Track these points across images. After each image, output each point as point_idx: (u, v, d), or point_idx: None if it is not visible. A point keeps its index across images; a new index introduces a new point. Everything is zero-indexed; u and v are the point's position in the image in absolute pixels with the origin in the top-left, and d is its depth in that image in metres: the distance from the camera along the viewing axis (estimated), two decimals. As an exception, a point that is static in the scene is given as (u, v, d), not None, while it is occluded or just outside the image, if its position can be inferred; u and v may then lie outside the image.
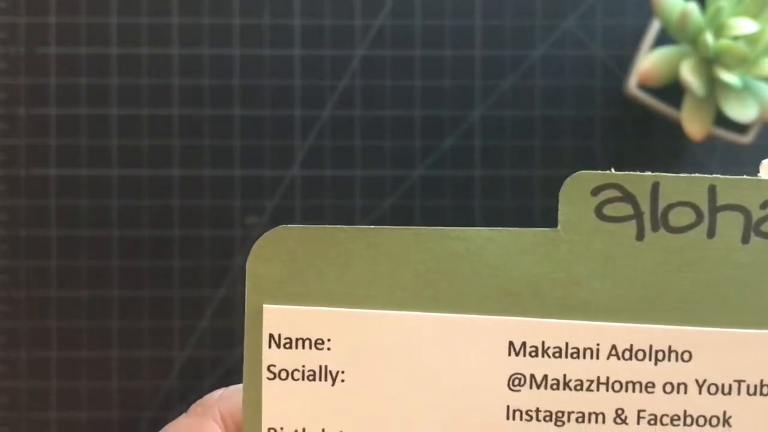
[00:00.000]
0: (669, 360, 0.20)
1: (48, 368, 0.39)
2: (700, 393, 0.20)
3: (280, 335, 0.20)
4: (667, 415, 0.20)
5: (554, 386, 0.20)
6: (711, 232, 0.20)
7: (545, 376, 0.20)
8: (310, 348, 0.20)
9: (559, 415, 0.20)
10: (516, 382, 0.20)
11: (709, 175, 0.20)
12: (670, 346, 0.20)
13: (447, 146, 0.40)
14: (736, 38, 0.33)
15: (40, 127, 0.40)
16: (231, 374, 0.39)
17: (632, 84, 0.37)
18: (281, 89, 0.40)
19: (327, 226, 0.20)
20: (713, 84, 0.34)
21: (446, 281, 0.20)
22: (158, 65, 0.40)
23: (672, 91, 0.36)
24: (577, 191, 0.20)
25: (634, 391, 0.20)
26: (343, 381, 0.20)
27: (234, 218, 0.40)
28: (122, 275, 0.39)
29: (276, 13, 0.40)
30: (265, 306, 0.20)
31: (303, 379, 0.20)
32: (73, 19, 0.40)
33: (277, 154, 0.40)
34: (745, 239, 0.20)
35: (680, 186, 0.20)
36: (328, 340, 0.20)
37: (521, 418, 0.20)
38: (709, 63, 0.34)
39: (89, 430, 0.39)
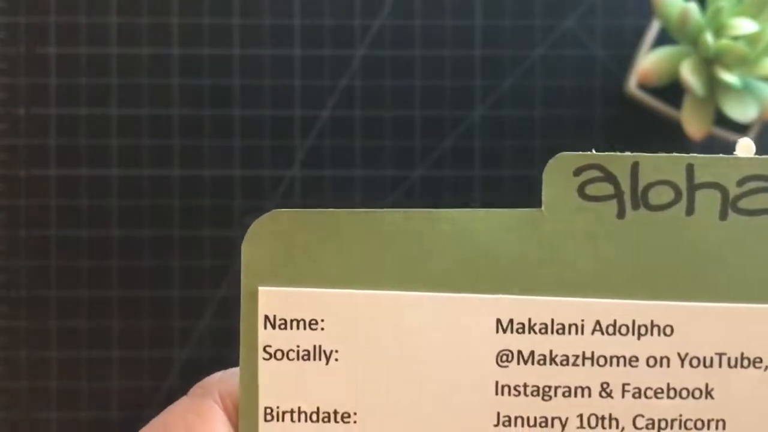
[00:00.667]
0: (651, 334, 0.20)
1: (48, 368, 0.39)
2: (682, 366, 0.20)
3: (275, 316, 0.21)
4: (651, 388, 0.20)
5: (541, 362, 0.21)
6: (690, 210, 0.20)
7: (532, 352, 0.21)
8: (305, 328, 0.21)
9: (546, 389, 0.21)
10: (504, 358, 0.21)
11: (687, 154, 0.20)
12: (652, 321, 0.20)
13: (447, 146, 0.40)
14: (736, 38, 0.33)
15: (40, 127, 0.40)
16: (231, 374, 0.39)
17: (632, 84, 0.37)
18: (281, 89, 0.40)
19: (320, 209, 0.21)
20: (713, 84, 0.34)
21: (436, 261, 0.21)
22: (158, 65, 0.40)
23: (672, 91, 0.36)
24: (560, 172, 0.21)
25: (618, 365, 0.20)
26: (336, 360, 0.21)
27: (234, 218, 0.40)
28: (122, 275, 0.40)
29: (276, 13, 0.40)
30: (260, 288, 0.21)
31: (298, 359, 0.21)
32: (73, 19, 0.40)
33: (277, 154, 0.40)
34: (723, 216, 0.20)
35: (659, 165, 0.20)
36: (322, 320, 0.21)
37: (510, 393, 0.21)
38: (709, 63, 0.34)
39: (89, 430, 0.39)
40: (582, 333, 0.20)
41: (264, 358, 0.21)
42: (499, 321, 0.21)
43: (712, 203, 0.20)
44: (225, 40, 0.40)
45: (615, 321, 0.20)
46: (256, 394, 0.21)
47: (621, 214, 0.20)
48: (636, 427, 0.20)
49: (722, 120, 0.35)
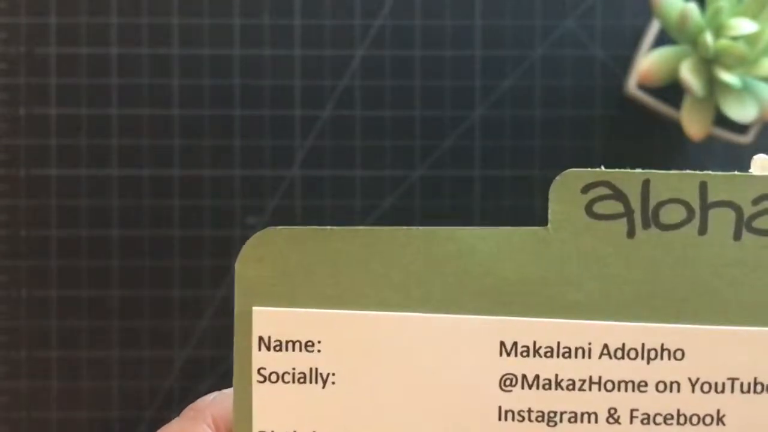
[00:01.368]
0: (662, 358, 0.20)
1: (48, 368, 0.39)
2: (693, 391, 0.20)
3: (269, 338, 0.20)
4: (660, 414, 0.20)
5: (546, 386, 0.20)
6: (702, 229, 0.20)
7: (537, 376, 0.20)
8: (300, 350, 0.20)
9: (552, 415, 0.20)
10: (507, 382, 0.20)
11: (700, 172, 0.20)
12: (662, 345, 0.20)
13: (447, 146, 0.40)
14: (735, 38, 0.33)
15: (40, 127, 0.40)
16: (230, 374, 0.39)
17: (632, 84, 0.37)
18: (281, 89, 0.40)
19: (316, 227, 0.20)
20: (713, 84, 0.34)
21: (437, 281, 0.20)
22: (158, 65, 0.40)
23: (672, 91, 0.36)
24: (567, 189, 0.20)
25: (626, 390, 0.20)
26: (333, 383, 0.20)
27: (234, 218, 0.40)
28: (122, 275, 0.39)
29: (276, 13, 0.40)
30: (254, 308, 0.20)
31: (293, 381, 0.20)
32: (73, 19, 0.40)
33: (277, 154, 0.40)
34: (737, 236, 0.20)
35: (671, 183, 0.20)
36: (318, 342, 0.20)
37: (513, 419, 0.20)
38: (708, 63, 0.34)
39: (89, 430, 0.39)
40: (589, 357, 0.20)
41: (258, 381, 0.20)
42: (502, 344, 0.20)
43: (725, 223, 0.19)
44: (225, 40, 0.40)
45: (623, 344, 0.20)
46: (250, 418, 0.20)
47: (631, 233, 0.20)
48: None
49: (722, 120, 0.35)
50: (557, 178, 0.20)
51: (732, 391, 0.20)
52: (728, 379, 0.20)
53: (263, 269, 0.20)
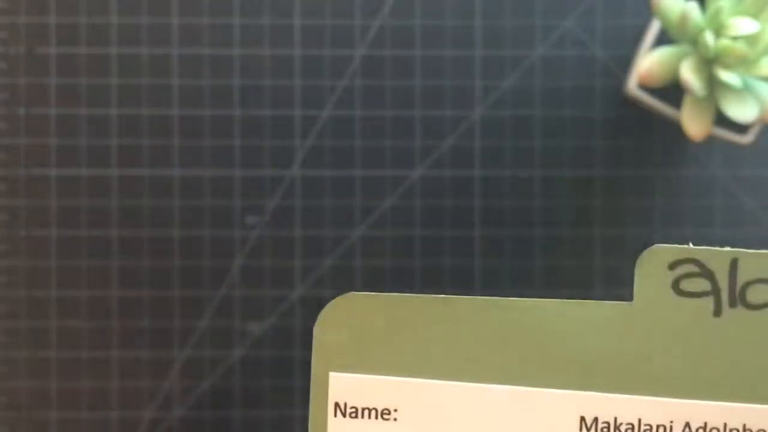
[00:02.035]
0: None
1: (48, 368, 0.39)
2: None
3: (346, 404, 0.20)
4: None
5: None
6: None
7: None
8: (377, 418, 0.20)
9: None
10: None
11: None
12: (744, 425, 0.19)
13: (447, 146, 0.39)
14: (736, 38, 0.33)
15: (40, 127, 0.39)
16: (231, 374, 0.39)
17: (632, 84, 0.37)
18: (281, 89, 0.40)
19: (396, 294, 0.20)
20: (713, 84, 0.34)
21: (517, 353, 0.19)
22: (158, 65, 0.40)
23: (672, 91, 0.36)
24: (654, 265, 0.19)
25: None
26: None
27: (234, 218, 0.39)
28: (122, 275, 0.39)
29: (276, 13, 0.40)
30: (331, 374, 0.20)
31: None
32: (73, 19, 0.40)
33: (277, 154, 0.40)
34: None
35: (760, 263, 0.19)
36: (395, 410, 0.20)
37: None
38: (709, 63, 0.34)
39: (89, 430, 0.39)
40: None
41: None
42: (582, 419, 0.19)
43: None
44: (225, 40, 0.40)
45: (705, 424, 0.19)
46: None
47: (717, 311, 0.19)
48: None
49: (722, 120, 0.35)
50: (644, 252, 0.20)
51: None
52: None
53: (342, 334, 0.20)
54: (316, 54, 0.39)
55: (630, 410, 0.19)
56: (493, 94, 0.39)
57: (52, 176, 0.39)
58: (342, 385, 0.20)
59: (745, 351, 0.19)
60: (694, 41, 0.34)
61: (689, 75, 0.34)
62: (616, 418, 0.19)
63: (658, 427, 0.19)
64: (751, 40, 0.33)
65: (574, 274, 0.39)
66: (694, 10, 0.33)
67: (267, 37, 0.39)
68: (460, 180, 0.39)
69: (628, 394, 0.19)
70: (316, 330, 0.20)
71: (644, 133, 0.39)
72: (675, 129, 0.36)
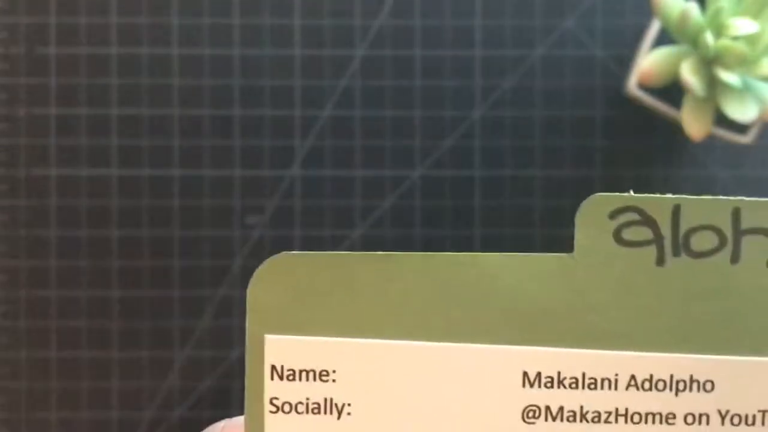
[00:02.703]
0: (690, 390, 0.19)
1: (48, 368, 0.39)
2: (722, 424, 0.19)
3: (282, 366, 0.19)
4: None
5: (570, 418, 0.19)
6: (735, 257, 0.19)
7: (561, 408, 0.19)
8: (315, 380, 0.19)
9: None
10: (530, 414, 0.19)
11: (733, 198, 0.19)
12: (691, 376, 0.19)
13: (447, 146, 0.39)
14: (736, 38, 0.33)
15: (40, 127, 0.39)
16: (231, 374, 0.39)
17: (632, 84, 0.37)
18: (281, 89, 0.40)
19: (331, 252, 0.19)
20: (713, 84, 0.34)
21: (457, 309, 0.19)
22: (158, 65, 0.40)
23: (672, 91, 0.36)
24: (594, 214, 0.19)
25: (654, 422, 0.19)
26: (349, 414, 0.19)
27: (234, 218, 0.39)
28: (122, 275, 0.39)
29: (276, 13, 0.40)
30: (266, 336, 0.19)
31: (307, 412, 0.19)
32: (73, 19, 0.40)
33: (277, 154, 0.39)
34: None
35: (703, 209, 0.19)
36: (334, 371, 0.19)
37: None
38: (709, 63, 0.34)
39: (89, 430, 0.39)
40: (615, 388, 0.19)
41: (271, 411, 0.19)
42: (525, 374, 0.19)
43: (759, 250, 0.19)
44: (225, 40, 0.40)
45: (651, 376, 0.19)
46: None
47: (660, 261, 0.19)
48: None
49: (722, 120, 0.35)
50: (584, 203, 0.19)
51: (763, 423, 0.19)
52: (759, 411, 0.19)
53: (276, 295, 0.19)
54: (316, 54, 0.39)
55: (574, 364, 0.19)
56: (493, 94, 0.39)
57: (52, 176, 0.39)
58: (278, 348, 0.19)
59: (690, 300, 0.19)
60: (694, 41, 0.34)
61: (689, 75, 0.33)
62: (559, 373, 0.19)
63: (602, 380, 0.19)
64: (751, 40, 0.33)
65: (574, 274, 0.39)
66: (694, 10, 0.33)
67: (267, 37, 0.39)
68: (460, 180, 0.39)
69: (571, 347, 0.19)
70: (250, 292, 0.19)
71: (644, 133, 0.39)
72: (675, 129, 0.36)
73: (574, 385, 0.19)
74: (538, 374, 0.19)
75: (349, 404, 0.19)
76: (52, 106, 0.39)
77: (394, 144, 0.39)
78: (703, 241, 0.19)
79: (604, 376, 0.19)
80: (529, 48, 0.39)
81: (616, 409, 0.19)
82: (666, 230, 0.19)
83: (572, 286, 0.19)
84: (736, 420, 0.19)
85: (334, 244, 0.39)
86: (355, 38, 0.39)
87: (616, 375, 0.19)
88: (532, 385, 0.19)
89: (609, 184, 0.39)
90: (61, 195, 0.39)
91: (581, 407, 0.19)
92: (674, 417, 0.19)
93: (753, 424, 0.19)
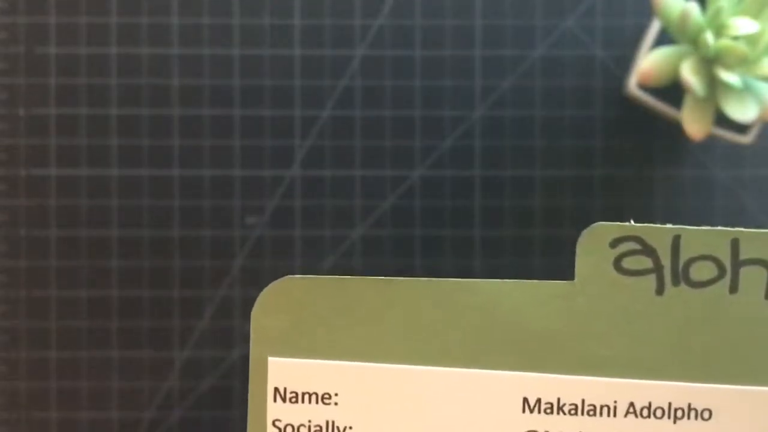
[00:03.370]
0: (689, 418, 0.19)
1: (48, 368, 0.39)
2: None
3: (285, 389, 0.19)
4: None
5: None
6: (734, 287, 0.19)
7: None
8: (317, 402, 0.19)
9: None
10: None
11: (732, 229, 0.19)
12: (689, 404, 0.19)
13: (447, 146, 0.39)
14: (736, 38, 0.33)
15: (40, 127, 0.39)
16: (231, 374, 0.39)
17: (632, 84, 0.37)
18: (281, 89, 0.39)
19: (335, 276, 0.19)
20: (713, 84, 0.34)
21: (459, 335, 0.19)
22: (158, 65, 0.40)
23: (672, 91, 0.36)
24: (595, 243, 0.19)
25: None
26: None
27: (234, 218, 0.39)
28: (122, 275, 0.39)
29: (276, 13, 0.40)
30: (270, 359, 0.19)
31: None
32: (73, 19, 0.39)
33: (277, 154, 0.39)
34: None
35: (702, 239, 0.19)
36: (336, 394, 0.19)
37: None
38: (709, 63, 0.34)
39: (89, 430, 0.39)
40: (614, 415, 0.19)
41: None
42: (525, 400, 0.19)
43: (757, 281, 0.19)
44: (225, 40, 0.40)
45: (650, 403, 0.19)
46: None
47: (660, 289, 0.19)
48: None
49: (722, 120, 0.35)
50: (585, 231, 0.19)
51: None
52: None
53: (280, 319, 0.19)
54: (316, 54, 0.39)
55: (573, 390, 0.19)
56: (493, 94, 0.39)
57: (52, 176, 0.39)
58: (281, 370, 0.20)
59: (689, 329, 0.19)
60: (694, 41, 0.34)
61: (689, 75, 0.33)
62: (559, 399, 0.19)
63: (601, 407, 0.19)
64: (751, 40, 0.33)
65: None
66: (694, 10, 0.33)
67: (267, 37, 0.39)
68: (460, 180, 0.39)
69: (571, 374, 0.19)
70: (254, 314, 0.19)
71: (644, 133, 0.39)
72: (675, 129, 0.36)
73: (573, 412, 0.19)
74: (538, 400, 0.19)
75: (350, 427, 0.19)
76: (52, 106, 0.39)
77: (394, 144, 0.39)
78: (702, 271, 0.19)
79: (604, 402, 0.19)
80: (529, 48, 0.39)
81: None
82: (666, 260, 0.19)
83: (572, 313, 0.19)
84: None
85: (334, 244, 0.39)
86: (355, 38, 0.39)
87: (615, 402, 0.19)
88: (532, 411, 0.19)
89: (609, 184, 0.39)
90: (61, 195, 0.39)
91: None
92: None
93: None
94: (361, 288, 0.19)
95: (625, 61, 0.39)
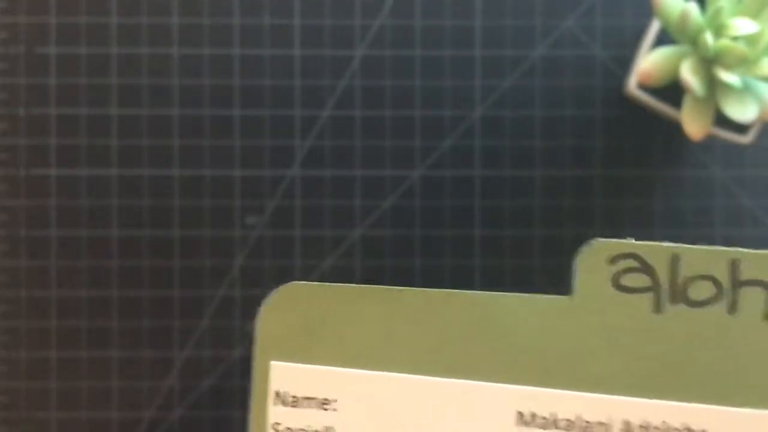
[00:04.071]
0: None
1: (48, 368, 0.39)
2: None
3: (286, 393, 0.20)
4: None
5: None
6: (732, 308, 0.19)
7: None
8: (317, 408, 0.20)
9: None
10: None
11: (731, 249, 0.19)
12: (684, 424, 0.19)
13: (447, 146, 0.39)
14: (736, 38, 0.33)
15: (40, 127, 0.39)
16: (231, 374, 0.39)
17: (632, 84, 0.37)
18: (281, 89, 0.40)
19: (338, 284, 0.19)
20: (713, 84, 0.34)
21: (457, 346, 0.19)
22: (158, 65, 0.40)
23: (672, 91, 0.36)
24: (594, 260, 0.19)
25: None
26: None
27: (234, 218, 0.39)
28: (122, 275, 0.39)
29: (276, 13, 0.40)
30: (272, 363, 0.20)
31: None
32: (73, 19, 0.40)
33: (277, 154, 0.39)
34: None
35: (701, 259, 0.19)
36: (335, 400, 0.20)
37: None
38: (709, 63, 0.34)
39: (89, 430, 0.39)
40: None
41: None
42: (520, 414, 0.19)
43: (756, 302, 0.19)
44: (225, 40, 0.40)
45: (645, 421, 0.19)
46: None
47: (657, 308, 0.19)
48: None
49: (722, 120, 0.35)
50: (584, 247, 0.19)
51: None
52: None
53: (284, 324, 0.20)
54: (316, 54, 0.39)
55: (568, 406, 0.19)
56: (493, 94, 0.39)
57: (52, 176, 0.39)
58: (283, 375, 0.20)
59: (686, 349, 0.19)
60: (694, 41, 0.34)
61: (689, 75, 0.33)
62: (553, 414, 0.19)
63: (597, 423, 0.19)
64: (750, 40, 0.33)
65: (574, 274, 0.39)
66: (694, 10, 0.33)
67: (267, 37, 0.39)
68: (460, 180, 0.39)
69: (566, 389, 0.19)
70: (259, 319, 0.20)
71: (644, 133, 0.39)
72: (675, 129, 0.36)
73: (568, 427, 0.19)
74: (533, 414, 0.19)
75: None
76: (52, 106, 0.39)
77: (394, 144, 0.39)
78: (700, 290, 0.19)
79: (598, 419, 0.19)
80: (529, 48, 0.39)
81: None
82: (664, 278, 0.19)
83: (569, 328, 0.19)
84: None
85: (334, 244, 0.39)
86: (355, 38, 0.39)
87: (610, 419, 0.19)
88: (526, 425, 0.19)
89: (609, 184, 0.39)
90: (61, 195, 0.39)
91: None
92: None
93: None
94: (363, 296, 0.20)
95: (625, 61, 0.39)
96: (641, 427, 0.19)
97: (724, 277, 0.19)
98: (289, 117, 0.39)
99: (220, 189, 0.39)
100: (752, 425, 0.19)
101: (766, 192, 0.39)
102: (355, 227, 0.39)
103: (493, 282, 0.38)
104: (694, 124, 0.34)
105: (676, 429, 0.19)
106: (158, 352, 0.39)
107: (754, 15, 0.33)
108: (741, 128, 0.36)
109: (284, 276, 0.39)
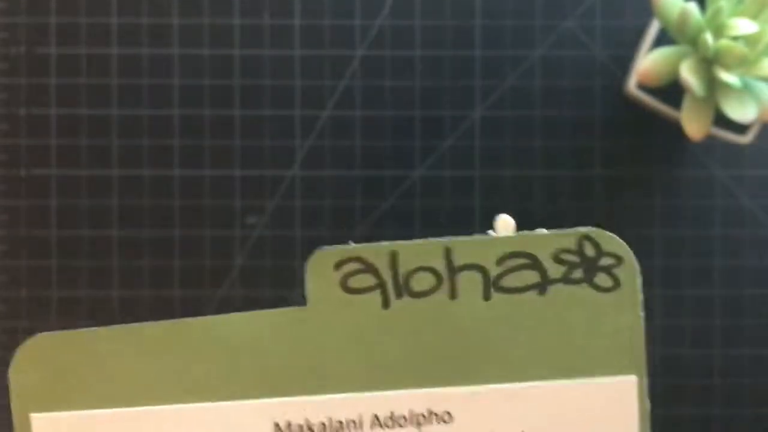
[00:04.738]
0: (431, 422, 0.20)
1: (48, 368, 0.39)
2: None
3: None
4: None
5: None
6: (453, 294, 0.20)
7: None
8: None
9: None
10: None
11: (444, 239, 0.20)
12: (429, 409, 0.20)
13: (447, 146, 0.39)
14: (735, 38, 0.33)
15: (40, 127, 0.39)
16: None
17: (632, 84, 0.37)
18: (281, 89, 0.40)
19: (82, 330, 0.20)
20: (713, 84, 0.34)
21: (205, 370, 0.20)
22: (158, 65, 0.40)
23: (672, 91, 0.35)
24: (321, 267, 0.20)
25: None
26: None
27: (234, 218, 0.39)
28: (122, 275, 0.39)
29: (276, 13, 0.40)
30: (32, 415, 0.20)
31: None
32: (73, 19, 0.40)
33: (277, 154, 0.40)
34: (486, 296, 0.20)
35: (417, 252, 0.20)
36: None
37: None
38: (709, 63, 0.34)
39: (89, 430, 0.39)
40: (361, 428, 0.20)
41: None
42: (276, 425, 0.20)
43: (474, 285, 0.20)
44: (225, 40, 0.40)
45: (392, 413, 0.20)
46: None
47: (385, 304, 0.20)
48: None
49: (722, 120, 0.35)
50: (310, 258, 0.20)
51: None
52: None
53: (35, 376, 0.20)
54: (316, 54, 0.39)
55: (319, 410, 0.20)
56: (493, 94, 0.39)
57: (52, 176, 0.39)
58: (45, 425, 0.20)
59: (417, 338, 0.20)
60: (694, 41, 0.34)
61: (689, 75, 0.33)
62: (307, 419, 0.20)
63: (348, 422, 0.20)
64: (750, 40, 0.33)
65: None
66: (693, 10, 0.33)
67: (267, 37, 0.39)
68: (460, 180, 0.39)
69: (317, 395, 0.20)
70: (11, 374, 0.21)
71: (644, 133, 0.39)
72: (675, 129, 0.36)
73: (323, 430, 0.20)
74: (289, 423, 0.20)
75: None
76: (52, 106, 0.39)
77: (394, 144, 0.39)
78: (421, 281, 0.20)
79: (349, 418, 0.20)
80: (529, 48, 0.39)
81: None
82: (386, 275, 0.20)
83: (307, 336, 0.20)
84: None
85: (334, 244, 0.39)
86: (355, 38, 0.39)
87: (360, 416, 0.20)
88: None
89: (609, 184, 0.39)
90: (61, 195, 0.39)
91: None
92: None
93: None
94: (106, 339, 0.20)
95: (625, 61, 0.39)
96: (389, 418, 0.20)
97: (441, 266, 0.20)
98: (289, 117, 0.39)
99: (220, 189, 0.39)
100: (489, 400, 0.20)
101: (766, 192, 0.39)
102: (355, 227, 0.39)
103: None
104: (693, 124, 0.34)
105: (422, 414, 0.20)
106: (158, 352, 0.39)
107: (754, 15, 0.33)
108: (741, 128, 0.36)
109: (284, 276, 0.39)
